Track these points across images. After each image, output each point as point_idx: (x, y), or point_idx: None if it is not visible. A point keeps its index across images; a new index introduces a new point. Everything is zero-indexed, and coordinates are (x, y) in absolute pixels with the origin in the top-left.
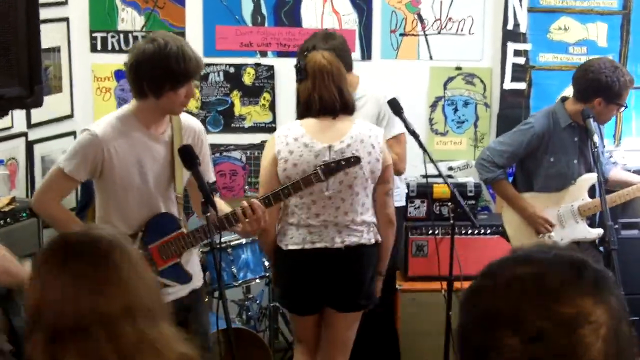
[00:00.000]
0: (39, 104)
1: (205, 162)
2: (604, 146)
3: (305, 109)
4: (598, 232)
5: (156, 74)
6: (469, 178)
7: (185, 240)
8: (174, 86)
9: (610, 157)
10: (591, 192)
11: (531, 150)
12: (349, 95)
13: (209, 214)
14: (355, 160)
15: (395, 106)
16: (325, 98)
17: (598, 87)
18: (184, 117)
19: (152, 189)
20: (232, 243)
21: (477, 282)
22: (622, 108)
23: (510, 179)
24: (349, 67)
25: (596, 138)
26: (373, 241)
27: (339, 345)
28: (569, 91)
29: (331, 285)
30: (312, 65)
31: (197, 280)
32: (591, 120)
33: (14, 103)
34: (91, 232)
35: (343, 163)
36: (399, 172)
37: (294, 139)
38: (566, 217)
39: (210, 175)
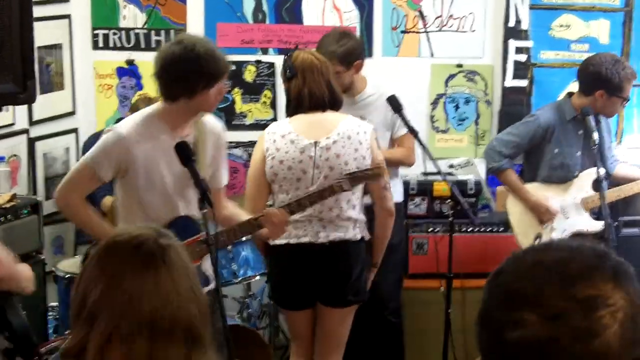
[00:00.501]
0: (31, 100)
1: (223, 165)
2: (611, 141)
3: (296, 106)
4: (601, 224)
5: (188, 75)
6: (470, 176)
7: (207, 244)
8: (205, 86)
9: (612, 155)
10: (595, 187)
11: (536, 142)
12: (338, 91)
13: (205, 210)
14: (379, 171)
15: (394, 103)
16: (316, 92)
17: (598, 80)
18: (208, 119)
19: (174, 192)
20: None
21: (502, 266)
22: (626, 101)
23: (518, 172)
24: (358, 67)
25: (595, 136)
26: (359, 237)
27: (332, 341)
28: (572, 88)
29: (318, 281)
30: (301, 62)
31: (212, 282)
32: (590, 118)
33: (7, 99)
34: (164, 240)
35: (368, 172)
36: (411, 164)
37: (281, 136)
38: (570, 209)
39: (225, 178)
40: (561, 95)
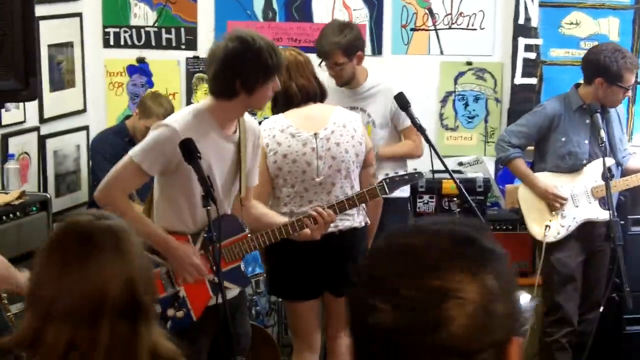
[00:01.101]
0: (33, 97)
1: (255, 165)
2: (623, 133)
3: (286, 102)
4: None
5: (251, 70)
6: (479, 174)
7: (249, 244)
8: (266, 80)
9: (625, 149)
10: (604, 177)
11: (544, 131)
12: (323, 83)
13: (209, 207)
14: (418, 176)
15: (401, 100)
16: (305, 86)
17: (597, 67)
18: (248, 118)
19: (219, 190)
20: None
21: (372, 247)
22: (628, 91)
23: (529, 165)
24: (359, 59)
25: (603, 133)
26: (363, 224)
27: (342, 320)
28: None
29: (328, 269)
30: (284, 60)
31: (248, 283)
32: (598, 115)
33: (9, 96)
34: (99, 222)
35: (407, 177)
36: (419, 155)
37: (280, 131)
38: (579, 197)
39: (256, 178)
40: None
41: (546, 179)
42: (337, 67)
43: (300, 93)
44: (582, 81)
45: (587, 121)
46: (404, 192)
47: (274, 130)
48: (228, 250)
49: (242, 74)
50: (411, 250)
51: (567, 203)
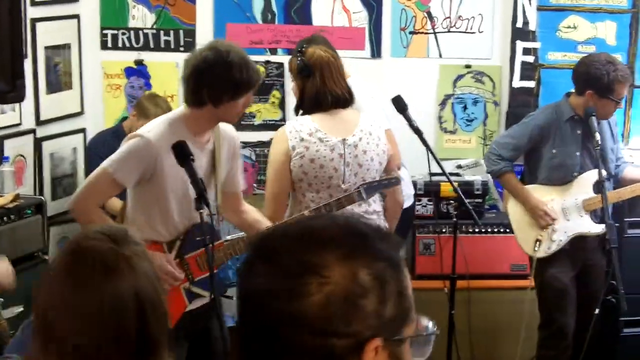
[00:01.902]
0: (20, 99)
1: (240, 172)
2: (615, 142)
3: (313, 105)
4: (602, 227)
5: (218, 83)
6: (477, 176)
7: (225, 252)
8: (234, 96)
9: (619, 158)
10: (597, 188)
11: (534, 143)
12: (351, 87)
13: (202, 210)
14: (395, 181)
15: (399, 103)
16: (336, 91)
17: (587, 79)
18: (223, 125)
19: (192, 199)
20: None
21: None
22: (619, 104)
23: (519, 175)
24: None
25: (598, 136)
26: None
27: None
28: None
29: None
30: (316, 60)
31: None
32: (594, 118)
33: None
34: (118, 250)
35: (385, 182)
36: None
37: (308, 134)
38: (570, 211)
39: (242, 183)
40: None
41: (537, 192)
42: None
43: (331, 97)
44: (573, 90)
45: (579, 132)
46: (407, 201)
47: (302, 133)
48: (202, 259)
49: (209, 86)
50: (307, 231)
51: (557, 219)
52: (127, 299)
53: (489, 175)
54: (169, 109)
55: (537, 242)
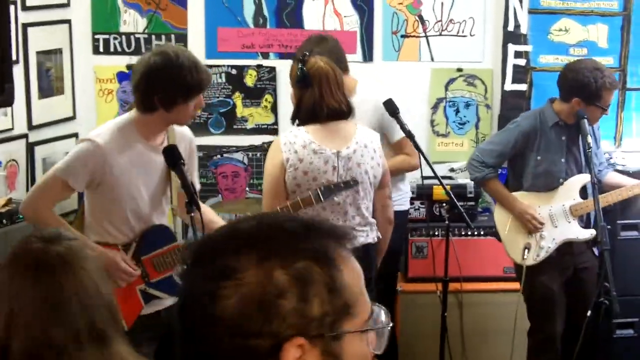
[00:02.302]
0: (8, 103)
1: (194, 171)
2: (598, 147)
3: (310, 116)
4: (590, 232)
5: (169, 87)
6: (469, 179)
7: (181, 253)
8: (186, 99)
9: (610, 158)
10: (583, 193)
11: (518, 149)
12: (349, 99)
13: (193, 214)
14: (354, 183)
15: (390, 107)
16: (333, 104)
17: (574, 87)
18: (178, 127)
19: (148, 201)
20: None
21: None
22: (605, 111)
23: (503, 181)
24: (345, 69)
25: (590, 139)
26: (376, 239)
27: None
28: None
29: None
30: (316, 72)
31: None
32: (585, 121)
33: None
34: (50, 248)
35: (342, 185)
36: (414, 168)
37: (302, 147)
38: (558, 217)
39: (197, 184)
40: None
41: (523, 199)
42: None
43: (327, 110)
44: (557, 96)
45: (563, 138)
46: (403, 205)
47: (296, 145)
48: (158, 260)
49: (160, 90)
50: (231, 234)
51: (545, 224)
52: (63, 291)
53: None
54: None
55: (526, 250)
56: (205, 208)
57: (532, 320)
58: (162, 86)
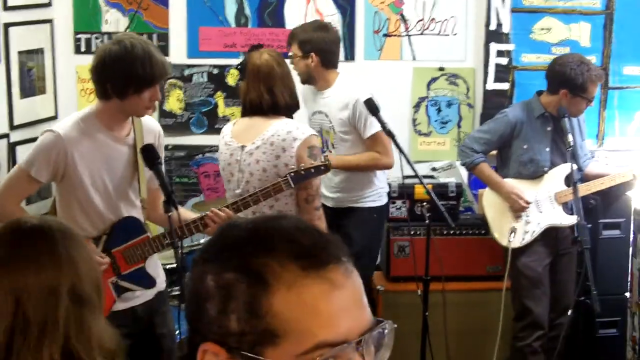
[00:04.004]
0: None
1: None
2: (583, 139)
3: (242, 108)
4: (575, 218)
5: (120, 77)
6: (451, 179)
7: (151, 245)
8: (138, 90)
9: (593, 156)
10: (567, 182)
11: (505, 138)
12: (281, 97)
13: (170, 214)
14: (325, 169)
15: (370, 106)
16: (254, 98)
17: (562, 79)
18: (146, 119)
19: (115, 192)
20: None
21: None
22: (590, 102)
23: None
24: (329, 64)
25: (570, 138)
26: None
27: None
28: None
29: None
30: (250, 66)
31: (162, 283)
32: (566, 120)
33: None
34: (43, 219)
35: (312, 171)
36: (385, 167)
37: (222, 138)
38: (543, 203)
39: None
40: None
41: (510, 184)
42: (293, 59)
43: (249, 103)
44: (544, 89)
45: (549, 129)
46: (378, 200)
47: (224, 136)
48: (128, 252)
49: (111, 79)
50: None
51: (530, 208)
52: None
53: (464, 177)
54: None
55: (512, 233)
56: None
57: (516, 303)
58: (112, 75)
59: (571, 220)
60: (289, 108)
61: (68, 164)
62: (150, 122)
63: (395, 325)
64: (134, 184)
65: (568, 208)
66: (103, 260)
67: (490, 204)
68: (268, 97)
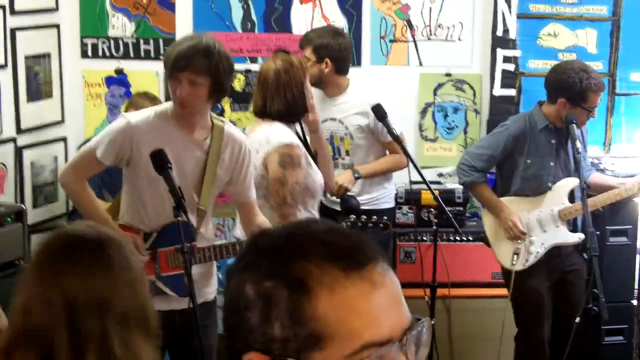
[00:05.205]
0: None
1: (248, 181)
2: (585, 150)
3: None
4: (579, 236)
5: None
6: (458, 185)
7: (195, 255)
8: (168, 75)
9: (599, 163)
10: (571, 197)
11: (508, 152)
12: (270, 103)
13: (179, 219)
14: (384, 227)
15: (378, 112)
16: (256, 103)
17: (559, 87)
18: (231, 129)
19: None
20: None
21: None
22: (591, 113)
23: (491, 185)
24: (342, 70)
25: (578, 144)
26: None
27: None
28: None
29: None
30: (260, 73)
31: (210, 293)
32: (574, 126)
33: None
34: (95, 230)
35: (371, 225)
36: (404, 167)
37: None
38: (546, 221)
39: (252, 193)
40: None
41: (511, 204)
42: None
43: (253, 108)
44: (546, 100)
45: (553, 141)
46: (388, 202)
47: None
48: (173, 256)
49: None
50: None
51: (534, 228)
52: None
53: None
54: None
55: (515, 255)
56: (263, 220)
57: (520, 324)
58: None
59: (575, 238)
60: (281, 115)
61: (133, 152)
62: (237, 134)
63: (433, 322)
64: (197, 190)
65: (571, 225)
66: (144, 257)
67: (490, 225)
68: (260, 102)
